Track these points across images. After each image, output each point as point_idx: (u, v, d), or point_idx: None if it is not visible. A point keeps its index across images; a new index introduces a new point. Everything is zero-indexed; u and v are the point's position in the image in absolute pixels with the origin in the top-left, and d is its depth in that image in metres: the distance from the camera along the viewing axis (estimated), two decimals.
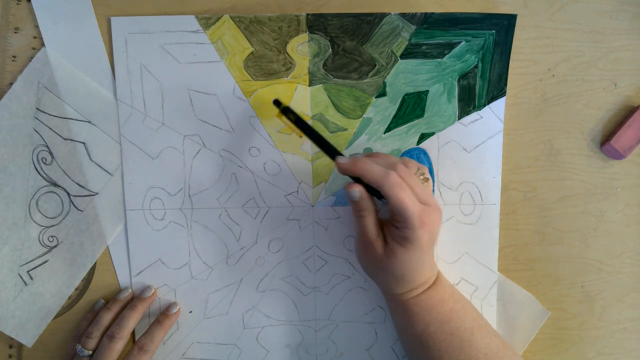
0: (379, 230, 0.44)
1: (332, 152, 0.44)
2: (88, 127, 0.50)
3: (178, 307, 0.51)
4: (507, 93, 0.51)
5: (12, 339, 0.50)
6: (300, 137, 0.49)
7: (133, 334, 0.51)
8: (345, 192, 0.43)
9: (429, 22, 0.49)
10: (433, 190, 0.51)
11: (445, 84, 0.50)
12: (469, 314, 0.45)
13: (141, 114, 0.50)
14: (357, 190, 0.42)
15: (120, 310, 0.49)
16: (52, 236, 0.50)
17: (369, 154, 0.46)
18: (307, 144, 0.50)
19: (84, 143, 0.50)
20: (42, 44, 0.49)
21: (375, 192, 0.43)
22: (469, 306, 0.46)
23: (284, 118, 0.46)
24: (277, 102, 0.47)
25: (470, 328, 0.43)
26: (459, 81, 0.50)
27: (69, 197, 0.50)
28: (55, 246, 0.50)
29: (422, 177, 0.45)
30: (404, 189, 0.40)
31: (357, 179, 0.43)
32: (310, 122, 0.50)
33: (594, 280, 0.53)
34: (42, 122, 0.49)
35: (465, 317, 0.44)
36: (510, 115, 0.51)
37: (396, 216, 0.41)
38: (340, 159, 0.43)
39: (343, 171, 0.43)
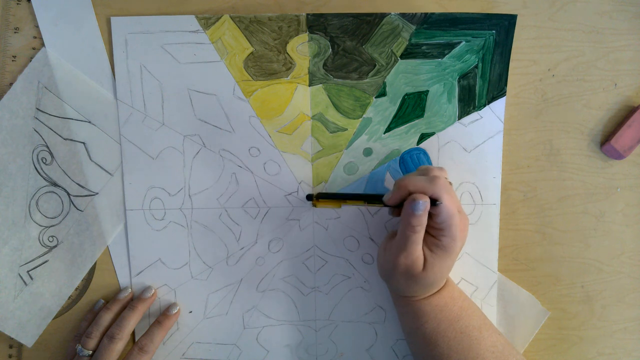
0: (421, 245, 0.42)
1: (377, 199, 0.44)
2: (88, 127, 0.50)
3: (178, 307, 0.51)
4: (507, 93, 0.51)
5: (12, 339, 0.50)
6: (340, 207, 0.49)
7: (133, 334, 0.51)
8: (407, 206, 0.40)
9: (429, 22, 0.49)
10: None
11: (445, 84, 0.50)
12: (476, 312, 0.45)
13: (141, 114, 0.50)
14: (424, 202, 0.39)
15: (120, 310, 0.49)
16: (52, 236, 0.50)
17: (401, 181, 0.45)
18: (307, 144, 0.50)
19: (84, 143, 0.50)
20: (42, 44, 0.49)
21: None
22: (475, 304, 0.46)
23: (321, 202, 0.48)
24: (309, 197, 0.49)
25: (478, 326, 0.44)
26: (459, 81, 0.50)
27: (69, 197, 0.50)
28: (55, 246, 0.50)
29: (450, 184, 0.44)
30: (451, 195, 0.40)
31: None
32: (310, 121, 0.50)
33: (594, 280, 0.53)
34: (42, 122, 0.49)
35: (473, 315, 0.44)
36: (510, 115, 0.51)
37: (441, 224, 0.40)
38: (386, 198, 0.43)
39: (393, 203, 0.42)
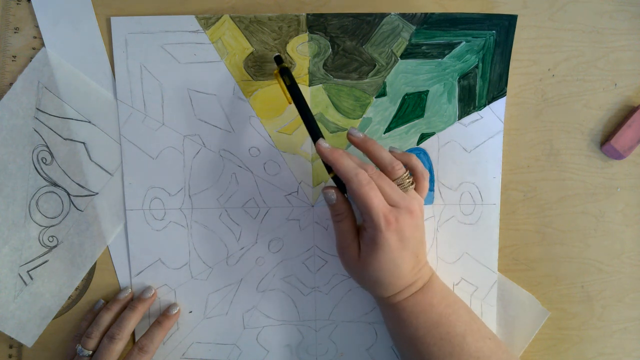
0: (355, 235, 0.44)
1: (315, 133, 0.44)
2: (88, 127, 0.50)
3: (178, 307, 0.51)
4: (507, 93, 0.51)
5: (12, 339, 0.50)
6: (290, 103, 0.47)
7: (133, 334, 0.51)
8: (323, 195, 0.44)
9: (429, 22, 0.49)
10: (432, 189, 0.51)
11: (445, 84, 0.50)
12: (461, 319, 0.44)
13: (141, 114, 0.50)
14: (333, 192, 0.43)
15: (120, 310, 0.49)
16: (52, 236, 0.50)
17: (368, 140, 0.44)
18: (307, 144, 0.50)
19: (84, 143, 0.50)
20: (42, 44, 0.49)
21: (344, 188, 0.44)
22: (462, 310, 0.45)
23: (279, 78, 0.46)
24: (278, 58, 0.46)
25: (461, 332, 0.43)
26: (459, 81, 0.50)
27: (69, 197, 0.50)
28: (55, 246, 0.50)
29: (407, 180, 0.43)
30: (372, 188, 0.40)
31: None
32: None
33: (594, 280, 0.53)
34: (42, 122, 0.49)
35: (456, 322, 0.43)
36: (510, 115, 0.51)
37: (363, 215, 0.41)
38: (321, 142, 0.43)
39: (320, 155, 0.43)
